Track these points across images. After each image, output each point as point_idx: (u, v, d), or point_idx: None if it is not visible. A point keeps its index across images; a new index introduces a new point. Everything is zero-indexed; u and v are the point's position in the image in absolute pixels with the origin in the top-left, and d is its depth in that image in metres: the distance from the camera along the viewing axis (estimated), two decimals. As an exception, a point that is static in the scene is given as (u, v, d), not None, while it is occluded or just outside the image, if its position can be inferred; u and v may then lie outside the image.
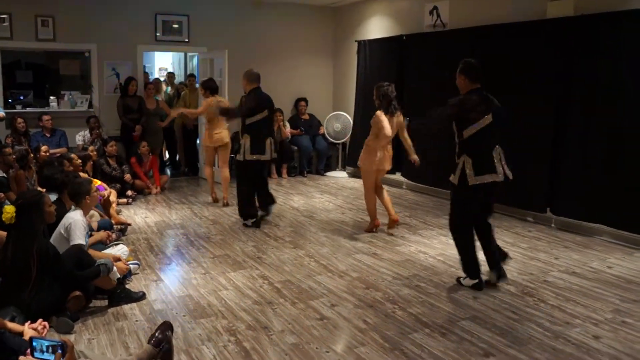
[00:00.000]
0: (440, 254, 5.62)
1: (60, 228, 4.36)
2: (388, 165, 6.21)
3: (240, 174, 6.70)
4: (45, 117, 8.40)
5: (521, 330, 3.89)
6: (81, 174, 6.14)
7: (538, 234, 6.35)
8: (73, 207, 4.71)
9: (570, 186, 6.40)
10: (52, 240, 4.28)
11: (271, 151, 6.61)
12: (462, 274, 4.79)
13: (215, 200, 7.88)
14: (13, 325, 3.32)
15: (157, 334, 3.35)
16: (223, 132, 7.81)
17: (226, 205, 7.65)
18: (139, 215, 7.12)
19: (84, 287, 4.06)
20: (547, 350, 3.61)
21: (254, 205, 6.72)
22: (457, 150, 4.61)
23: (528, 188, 6.84)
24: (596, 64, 6.09)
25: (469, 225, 4.69)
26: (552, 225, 6.68)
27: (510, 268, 5.16)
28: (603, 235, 6.14)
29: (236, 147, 6.96)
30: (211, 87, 7.85)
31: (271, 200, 6.88)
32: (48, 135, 8.40)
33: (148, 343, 3.32)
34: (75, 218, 4.34)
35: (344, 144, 10.55)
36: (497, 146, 4.54)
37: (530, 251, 5.71)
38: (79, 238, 4.25)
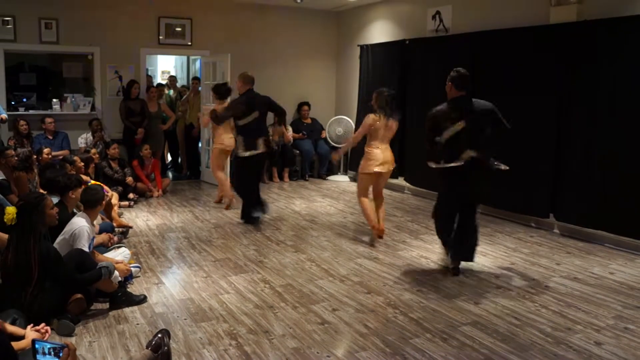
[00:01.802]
0: (442, 258, 5.61)
1: (65, 234, 4.35)
2: (385, 168, 6.05)
3: (238, 171, 7.07)
4: (48, 120, 8.43)
5: (523, 336, 3.89)
6: (83, 176, 6.15)
7: (540, 240, 6.34)
8: (76, 211, 4.72)
9: (573, 192, 6.39)
10: (55, 245, 4.27)
11: (264, 148, 6.82)
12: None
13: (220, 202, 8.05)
14: (14, 329, 3.32)
15: (155, 340, 3.38)
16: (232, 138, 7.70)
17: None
18: (140, 218, 7.12)
19: (85, 290, 4.07)
20: (549, 356, 3.60)
21: (258, 197, 7.01)
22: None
23: (530, 193, 6.84)
24: (600, 69, 6.09)
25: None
26: (555, 230, 6.66)
27: (511, 274, 5.17)
28: (605, 241, 6.12)
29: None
30: (220, 92, 7.69)
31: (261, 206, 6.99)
32: (50, 137, 8.41)
33: (146, 348, 3.34)
34: (81, 225, 4.34)
35: (345, 148, 10.55)
36: (467, 149, 4.95)
37: (532, 257, 5.70)
38: (84, 246, 4.25)
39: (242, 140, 6.77)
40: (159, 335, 3.44)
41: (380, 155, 5.99)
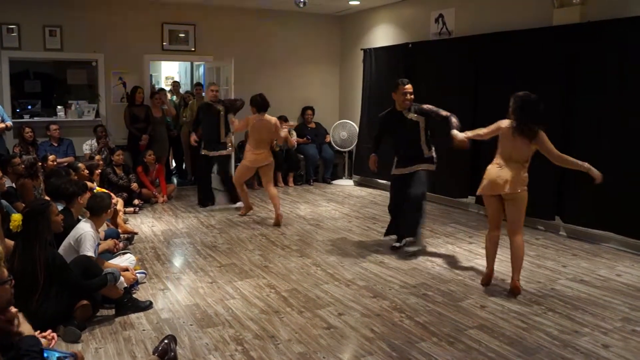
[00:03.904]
0: (448, 262, 5.60)
1: (70, 239, 4.36)
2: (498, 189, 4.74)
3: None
4: (53, 127, 8.47)
5: (529, 339, 3.87)
6: (88, 183, 6.16)
7: (546, 242, 6.32)
8: (82, 217, 4.73)
9: (579, 193, 6.37)
10: (61, 250, 4.28)
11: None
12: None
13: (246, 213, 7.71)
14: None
15: (162, 345, 3.39)
16: (265, 153, 7.30)
17: (279, 224, 7.15)
18: (145, 224, 7.13)
19: (91, 296, 4.07)
20: (556, 359, 3.58)
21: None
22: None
23: (536, 195, 6.79)
24: (603, 71, 6.08)
25: None
26: (560, 232, 6.64)
27: (518, 276, 5.16)
28: (611, 243, 6.10)
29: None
30: (257, 104, 7.29)
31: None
32: (55, 144, 8.45)
33: (153, 354, 3.34)
34: (85, 230, 4.35)
35: (350, 152, 10.56)
36: None
37: (538, 259, 5.69)
38: (89, 250, 4.26)
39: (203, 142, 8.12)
40: (166, 341, 3.45)
41: (493, 172, 4.72)
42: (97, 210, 4.62)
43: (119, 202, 6.66)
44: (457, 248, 6.10)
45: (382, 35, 9.84)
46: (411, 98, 5.72)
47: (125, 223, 6.60)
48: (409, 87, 5.72)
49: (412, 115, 5.72)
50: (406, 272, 5.31)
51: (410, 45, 8.96)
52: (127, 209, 7.52)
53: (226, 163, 8.43)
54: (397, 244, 6.04)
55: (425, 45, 8.69)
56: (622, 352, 3.67)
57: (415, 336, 3.91)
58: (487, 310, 4.37)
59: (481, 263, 5.54)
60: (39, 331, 3.38)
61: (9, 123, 7.86)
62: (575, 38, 6.33)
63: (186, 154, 10.46)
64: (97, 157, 7.95)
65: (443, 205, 8.32)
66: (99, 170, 7.38)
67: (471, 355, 3.63)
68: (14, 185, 5.79)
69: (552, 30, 6.60)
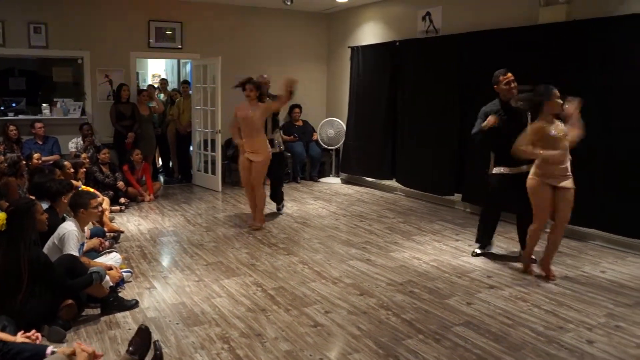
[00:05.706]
0: (434, 259, 5.62)
1: (54, 238, 4.33)
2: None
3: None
4: (38, 125, 8.38)
5: (515, 335, 3.89)
6: (73, 181, 6.11)
7: (531, 239, 6.34)
8: (66, 216, 4.70)
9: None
10: (45, 249, 4.24)
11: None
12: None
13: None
14: (4, 335, 3.29)
15: (133, 343, 3.35)
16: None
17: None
18: (131, 223, 7.10)
19: (76, 296, 4.04)
20: (541, 355, 3.61)
21: None
22: None
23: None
24: (589, 70, 6.12)
25: None
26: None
27: (503, 273, 5.18)
28: (596, 240, 6.15)
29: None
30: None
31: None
32: (40, 142, 8.37)
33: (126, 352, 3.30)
34: (69, 229, 4.32)
35: (337, 150, 10.56)
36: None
37: (524, 256, 5.72)
38: (72, 249, 4.22)
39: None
40: (138, 337, 3.39)
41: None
42: (74, 207, 4.56)
43: (105, 201, 6.61)
44: (444, 245, 6.12)
45: (370, 33, 9.85)
46: (515, 86, 5.47)
47: (111, 221, 6.55)
48: (510, 75, 5.50)
49: (520, 104, 5.29)
50: (393, 269, 5.32)
51: (397, 43, 8.98)
52: (113, 208, 7.47)
53: (274, 163, 7.33)
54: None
55: (412, 43, 8.71)
56: (606, 348, 3.70)
57: (401, 333, 3.92)
58: (473, 307, 4.39)
59: (467, 260, 5.58)
60: (22, 331, 3.36)
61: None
62: (561, 36, 6.37)
63: (172, 152, 10.43)
64: (83, 155, 7.90)
65: (430, 203, 8.34)
66: (84, 169, 7.32)
67: (457, 352, 3.64)
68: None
69: (538, 29, 6.64)
